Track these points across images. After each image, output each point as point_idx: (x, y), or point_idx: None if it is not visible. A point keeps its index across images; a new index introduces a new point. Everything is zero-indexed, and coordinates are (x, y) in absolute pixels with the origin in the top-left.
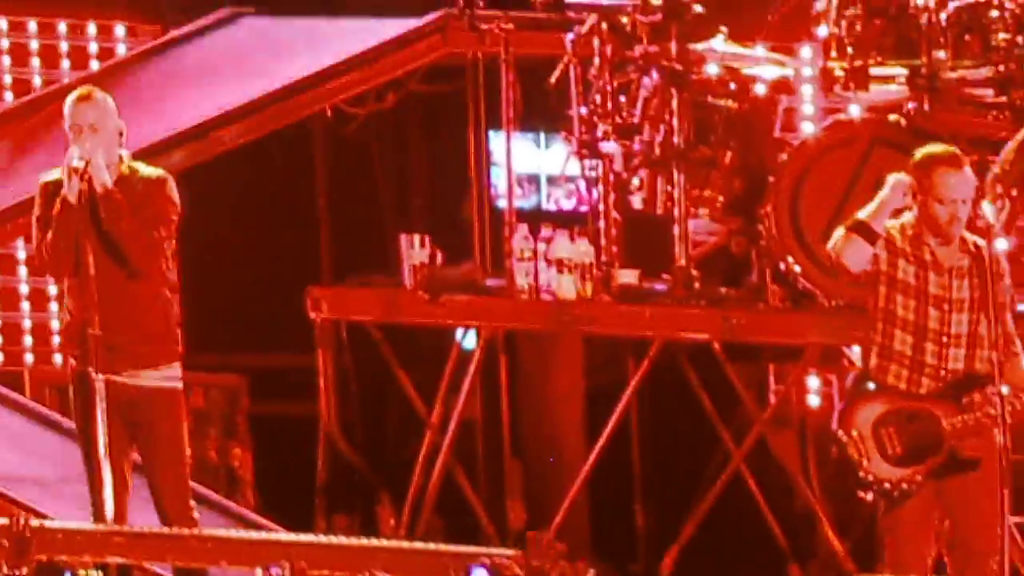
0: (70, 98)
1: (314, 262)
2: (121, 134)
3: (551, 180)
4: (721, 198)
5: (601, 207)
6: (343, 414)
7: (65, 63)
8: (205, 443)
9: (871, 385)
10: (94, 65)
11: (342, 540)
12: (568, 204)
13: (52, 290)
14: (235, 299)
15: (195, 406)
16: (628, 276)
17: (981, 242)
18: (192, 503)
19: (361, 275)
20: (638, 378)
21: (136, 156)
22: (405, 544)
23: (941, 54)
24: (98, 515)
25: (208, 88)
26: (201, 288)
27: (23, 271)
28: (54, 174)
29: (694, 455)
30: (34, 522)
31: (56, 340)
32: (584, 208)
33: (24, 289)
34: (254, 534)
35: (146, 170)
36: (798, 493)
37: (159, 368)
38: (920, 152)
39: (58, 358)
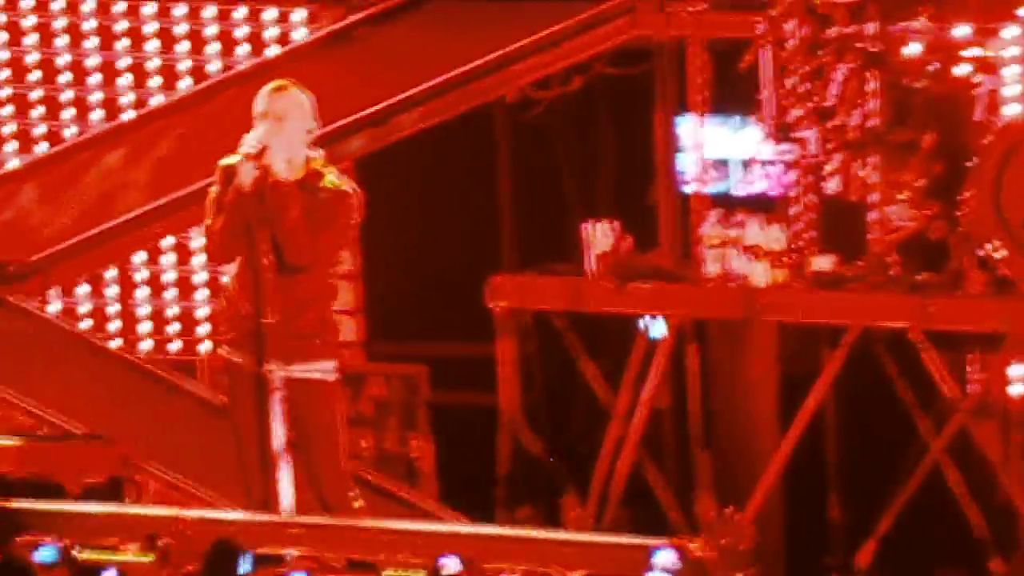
0: (266, 87)
1: (496, 250)
2: (310, 133)
3: (742, 165)
4: (920, 182)
5: (795, 192)
6: (526, 403)
7: (242, 49)
8: (385, 433)
9: None
10: (272, 51)
11: (524, 531)
12: (760, 189)
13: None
14: (415, 288)
15: (375, 395)
16: (823, 262)
17: None
18: (353, 493)
19: (544, 263)
20: (833, 367)
21: (315, 142)
22: (590, 536)
23: None
24: (269, 505)
25: (388, 73)
26: (381, 276)
27: (197, 260)
28: (232, 159)
29: (891, 445)
30: (209, 513)
31: None
32: (777, 193)
33: (200, 278)
34: (433, 525)
35: (333, 178)
36: (1000, 485)
37: (316, 362)
38: None
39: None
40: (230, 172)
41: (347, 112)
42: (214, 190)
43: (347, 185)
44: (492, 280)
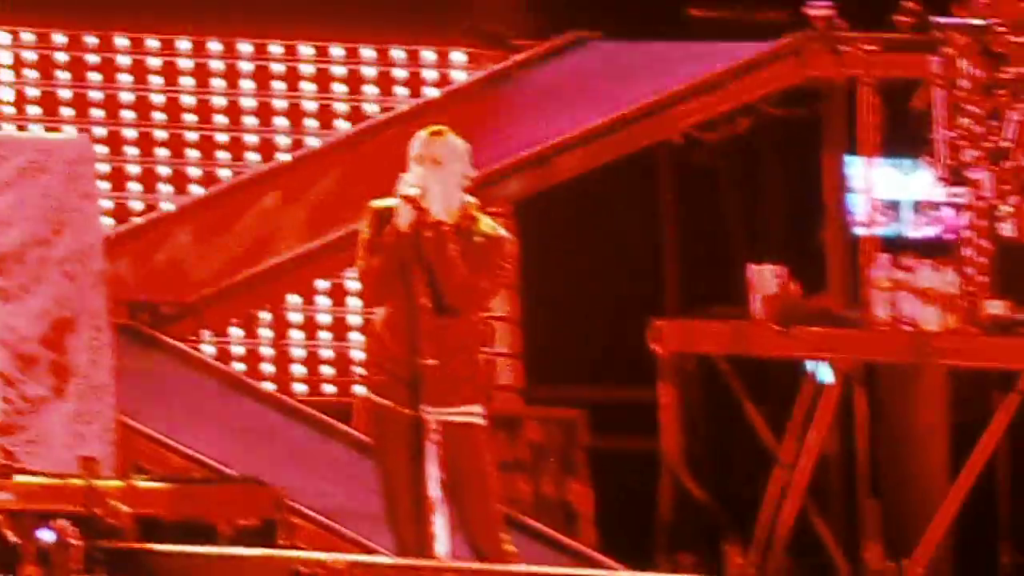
0: (422, 132)
1: (658, 293)
2: (466, 179)
3: (914, 207)
4: None
5: (967, 235)
6: (687, 448)
7: (400, 90)
8: (542, 478)
9: None
10: (431, 92)
11: None
12: (932, 232)
13: None
14: (575, 331)
15: (532, 440)
16: (997, 307)
17: None
18: (506, 538)
19: (708, 306)
20: (1006, 413)
21: (474, 183)
22: None
23: None
24: (421, 550)
25: (550, 114)
26: (540, 320)
27: (352, 302)
28: (386, 201)
29: None
30: (361, 557)
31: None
32: (949, 236)
33: (355, 320)
34: (591, 571)
35: (487, 224)
36: None
37: (467, 405)
38: None
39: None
40: (382, 214)
41: (507, 154)
42: (366, 232)
43: (502, 230)
44: (655, 323)
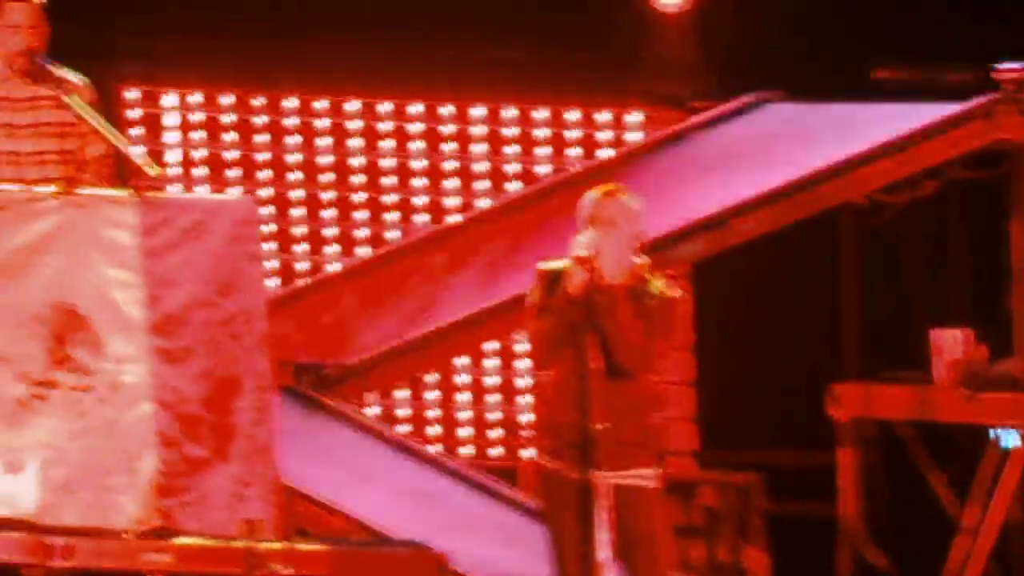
0: (594, 192)
1: (837, 356)
2: (638, 239)
3: None
4: None
5: None
6: (867, 515)
7: (574, 151)
8: (717, 543)
9: None
10: (605, 153)
11: None
12: None
13: None
14: (750, 394)
15: (707, 504)
16: None
17: None
18: None
19: (888, 370)
20: None
21: (648, 246)
22: None
23: None
24: None
25: (728, 176)
26: (715, 383)
27: (521, 364)
28: (555, 263)
29: None
30: None
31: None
32: None
33: (523, 383)
34: None
35: (660, 284)
36: None
37: (640, 468)
38: None
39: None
40: (551, 277)
41: (683, 216)
42: (535, 296)
43: (674, 290)
44: (834, 388)
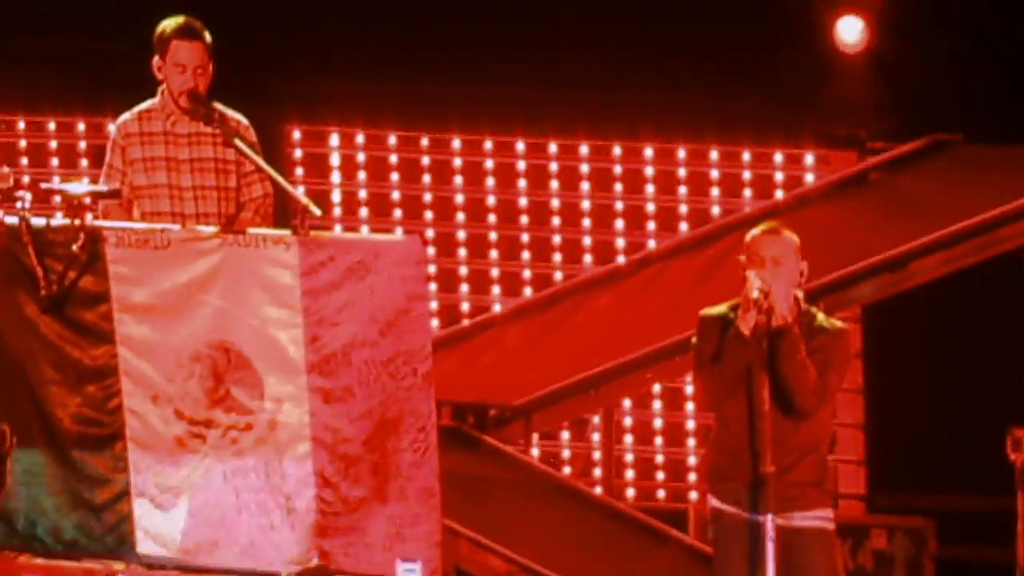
0: (757, 231)
1: (1016, 399)
2: (802, 274)
3: None
4: None
5: None
6: None
7: (748, 192)
8: None
9: None
10: (778, 194)
11: None
12: None
13: None
14: (925, 437)
15: (878, 548)
16: None
17: None
18: None
19: None
20: None
21: (823, 287)
22: None
23: None
24: None
25: (905, 218)
26: (888, 426)
27: (689, 407)
28: (716, 309)
29: None
30: None
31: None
32: None
33: (691, 425)
34: None
35: (824, 319)
36: None
37: (813, 510)
38: None
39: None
40: (720, 321)
41: (858, 258)
42: (704, 340)
43: (839, 323)
44: (1014, 431)
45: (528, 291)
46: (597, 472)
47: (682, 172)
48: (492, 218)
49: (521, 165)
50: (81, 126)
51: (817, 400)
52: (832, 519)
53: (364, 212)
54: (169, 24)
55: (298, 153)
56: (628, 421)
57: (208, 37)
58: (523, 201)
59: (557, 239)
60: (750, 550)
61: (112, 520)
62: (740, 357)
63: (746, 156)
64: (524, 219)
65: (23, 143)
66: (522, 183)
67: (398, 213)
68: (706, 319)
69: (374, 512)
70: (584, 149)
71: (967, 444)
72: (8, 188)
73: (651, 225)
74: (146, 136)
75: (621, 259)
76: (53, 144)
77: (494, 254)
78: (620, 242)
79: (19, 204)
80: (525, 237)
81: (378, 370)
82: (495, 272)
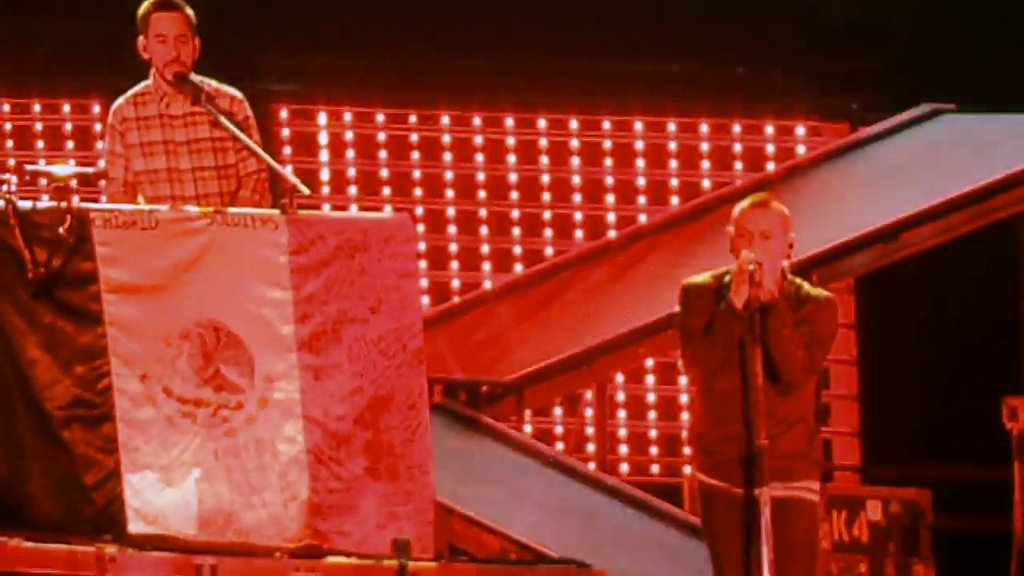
0: (745, 204)
1: (1011, 369)
2: (791, 246)
3: None
4: None
5: None
6: None
7: (739, 165)
8: (883, 559)
9: None
10: (770, 166)
11: None
12: None
13: None
14: (920, 408)
15: (873, 520)
16: None
17: None
18: None
19: None
20: None
21: (816, 259)
22: None
23: None
24: None
25: (898, 188)
26: (883, 397)
27: (682, 380)
28: (699, 278)
29: None
30: None
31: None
32: None
33: (684, 399)
34: None
35: (810, 289)
36: None
37: (801, 481)
38: None
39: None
40: (703, 293)
41: (852, 228)
42: (687, 311)
43: (827, 294)
44: (1009, 400)
45: (519, 267)
46: (590, 447)
47: (672, 145)
48: (482, 194)
49: (510, 141)
50: (67, 108)
51: (805, 374)
52: (817, 491)
53: (353, 190)
54: (148, 1)
55: (286, 132)
56: (621, 396)
57: (189, 10)
58: (513, 177)
59: (547, 215)
60: (742, 524)
61: (102, 501)
62: (732, 330)
63: (736, 128)
64: (514, 195)
65: (8, 125)
66: (512, 159)
67: (387, 191)
68: (692, 289)
69: (367, 490)
70: (574, 124)
71: (963, 414)
72: None
73: (642, 199)
74: (142, 120)
75: (612, 234)
76: (38, 126)
77: (484, 231)
78: (611, 217)
79: (5, 187)
80: (515, 213)
81: (369, 348)
82: (485, 248)
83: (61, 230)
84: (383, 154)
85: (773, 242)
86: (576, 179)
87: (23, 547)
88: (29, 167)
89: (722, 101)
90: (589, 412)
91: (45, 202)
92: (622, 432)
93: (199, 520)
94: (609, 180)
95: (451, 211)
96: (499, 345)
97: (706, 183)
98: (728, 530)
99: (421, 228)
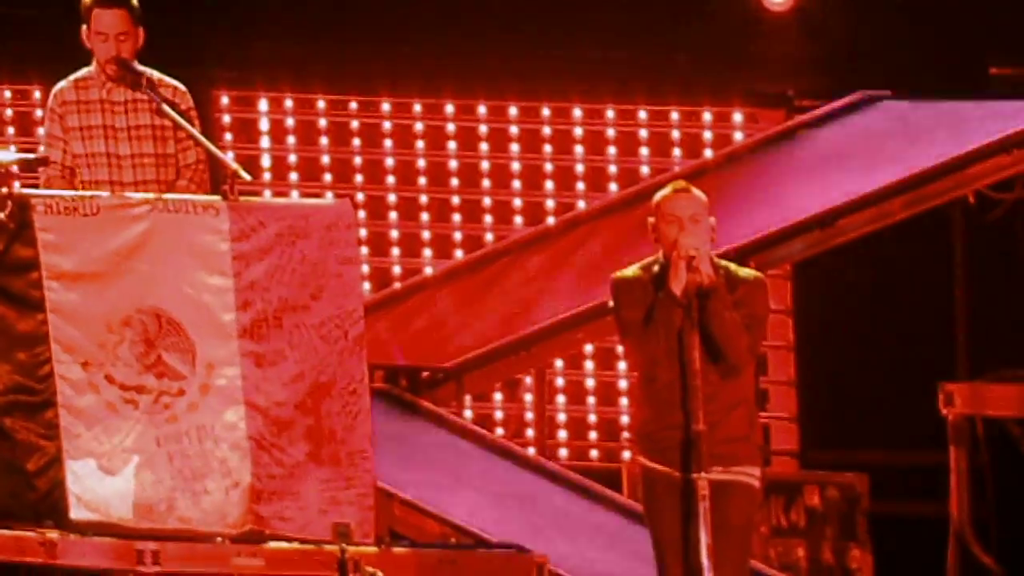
0: (666, 190)
1: (946, 355)
2: (713, 230)
3: None
4: None
5: None
6: (976, 515)
7: (676, 151)
8: (820, 543)
9: None
10: (707, 153)
11: None
12: None
13: None
14: (856, 394)
15: (810, 505)
16: None
17: None
18: None
19: (1000, 369)
20: None
21: (753, 245)
22: None
23: None
24: None
25: (834, 175)
26: (820, 383)
27: (621, 366)
28: (629, 271)
29: None
30: None
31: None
32: None
33: (623, 384)
34: None
35: (738, 270)
36: None
37: (742, 466)
38: None
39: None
40: (637, 285)
41: (789, 215)
42: (621, 303)
43: (758, 274)
44: (945, 387)
45: (459, 253)
46: (530, 432)
47: (611, 132)
48: (422, 181)
49: (450, 127)
50: (7, 93)
51: (749, 355)
52: (759, 477)
53: (294, 176)
54: None
55: (226, 118)
56: (560, 381)
57: (133, 3)
58: (453, 163)
59: (487, 201)
60: (682, 509)
61: (44, 487)
62: (673, 318)
63: (674, 115)
64: (454, 181)
65: None
66: (452, 145)
67: (328, 177)
68: (624, 283)
69: (308, 475)
70: (513, 111)
71: (899, 400)
72: None
73: (580, 186)
74: (83, 104)
75: (551, 220)
76: None
77: (425, 217)
78: (550, 203)
79: None
80: (455, 199)
81: (310, 334)
82: (426, 235)
83: (2, 216)
84: (324, 140)
85: (701, 226)
86: (515, 165)
87: None
88: None
89: (660, 88)
90: (528, 397)
91: None
92: (561, 417)
93: (140, 507)
94: (548, 167)
95: (392, 197)
96: (439, 331)
97: (644, 169)
98: (670, 514)
99: (362, 214)
